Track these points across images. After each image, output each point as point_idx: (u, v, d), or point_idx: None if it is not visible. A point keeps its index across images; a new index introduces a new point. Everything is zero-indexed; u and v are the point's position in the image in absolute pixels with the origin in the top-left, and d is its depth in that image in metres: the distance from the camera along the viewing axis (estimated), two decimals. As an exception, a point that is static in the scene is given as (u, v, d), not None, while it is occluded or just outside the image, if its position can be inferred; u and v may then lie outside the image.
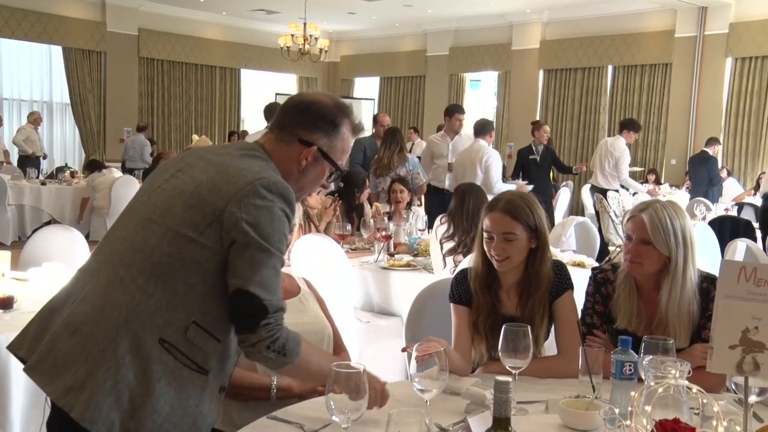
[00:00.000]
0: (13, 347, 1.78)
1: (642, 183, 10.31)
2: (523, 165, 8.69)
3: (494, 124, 14.39)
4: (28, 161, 10.89)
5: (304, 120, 1.86)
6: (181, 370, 1.67)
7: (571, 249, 5.30)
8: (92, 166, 9.73)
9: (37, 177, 9.67)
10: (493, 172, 6.77)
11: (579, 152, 13.08)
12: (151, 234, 1.69)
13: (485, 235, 2.33)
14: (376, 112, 15.81)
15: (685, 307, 2.24)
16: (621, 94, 12.74)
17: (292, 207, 1.74)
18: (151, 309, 1.65)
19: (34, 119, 11.30)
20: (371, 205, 5.78)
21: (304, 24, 12.14)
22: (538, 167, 8.54)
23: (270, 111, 7.02)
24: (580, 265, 4.33)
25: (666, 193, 10.24)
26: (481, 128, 7.03)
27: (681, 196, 9.74)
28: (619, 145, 8.38)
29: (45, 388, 1.66)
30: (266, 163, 1.81)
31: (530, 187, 7.42)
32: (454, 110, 7.29)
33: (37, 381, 1.67)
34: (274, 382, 2.14)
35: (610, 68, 12.92)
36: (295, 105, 1.90)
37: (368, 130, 14.97)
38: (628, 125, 8.50)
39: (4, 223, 8.66)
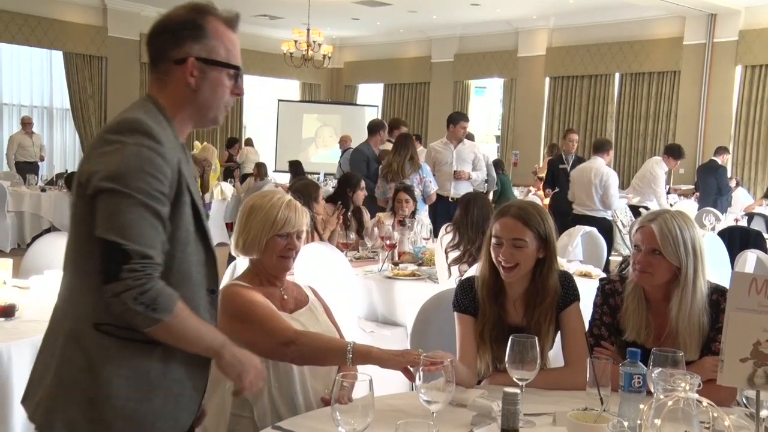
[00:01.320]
0: None
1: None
2: (553, 174, 8.53)
3: (500, 131, 14.59)
4: (28, 166, 10.89)
5: (166, 40, 1.71)
6: (128, 349, 1.60)
7: (578, 259, 5.26)
8: None
9: (37, 183, 9.64)
10: (612, 191, 7.02)
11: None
12: (71, 228, 1.68)
13: (494, 240, 2.30)
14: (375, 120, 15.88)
15: (696, 318, 2.21)
16: (628, 101, 12.72)
17: (153, 137, 1.58)
18: (76, 300, 1.63)
19: (25, 124, 11.27)
20: (371, 211, 5.76)
21: (308, 30, 12.15)
22: (568, 177, 8.04)
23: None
24: (587, 275, 4.31)
25: (674, 202, 10.19)
26: (600, 147, 7.31)
27: (689, 206, 9.69)
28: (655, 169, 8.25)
29: (28, 414, 1.69)
30: (137, 107, 1.68)
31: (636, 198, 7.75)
32: (458, 118, 7.28)
33: (25, 409, 1.71)
34: (351, 346, 2.06)
35: (617, 75, 12.90)
36: (153, 32, 1.73)
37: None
38: (669, 151, 8.34)
39: (3, 230, 8.65)
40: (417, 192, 6.21)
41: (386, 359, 2.02)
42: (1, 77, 12.97)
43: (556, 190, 8.31)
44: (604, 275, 3.85)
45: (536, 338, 1.97)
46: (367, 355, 2.04)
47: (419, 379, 1.78)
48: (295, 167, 11.87)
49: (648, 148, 12.38)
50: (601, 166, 7.11)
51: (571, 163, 8.31)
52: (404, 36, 15.49)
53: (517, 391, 1.33)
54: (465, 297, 2.37)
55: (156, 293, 1.55)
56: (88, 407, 1.59)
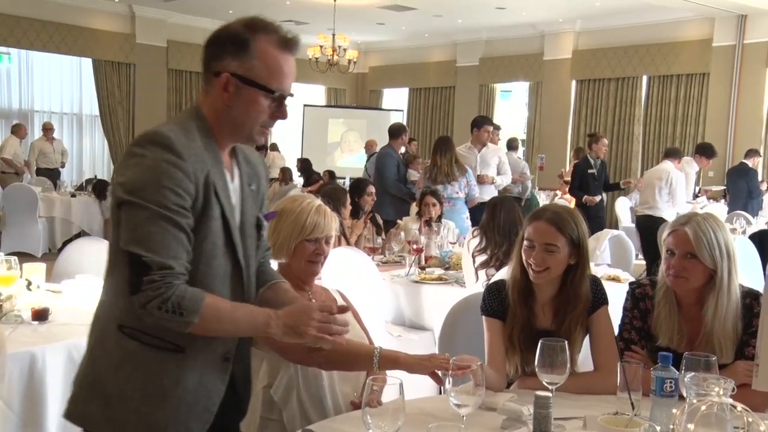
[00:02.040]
0: None
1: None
2: (581, 179, 8.34)
3: (526, 135, 14.50)
4: (49, 173, 11.03)
5: (212, 51, 1.70)
6: (147, 353, 1.65)
7: (606, 263, 5.22)
8: None
9: (66, 188, 9.75)
10: (678, 193, 7.53)
11: (613, 164, 12.93)
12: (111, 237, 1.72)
13: (526, 243, 2.30)
14: (405, 124, 15.89)
15: (731, 321, 2.19)
16: (656, 104, 12.57)
17: (172, 151, 1.58)
18: (108, 303, 1.69)
19: (46, 130, 11.40)
20: (398, 215, 5.77)
21: (333, 35, 12.19)
22: (596, 181, 8.25)
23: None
24: (615, 279, 4.27)
25: (702, 206, 10.06)
26: (671, 152, 8.04)
27: (719, 209, 9.56)
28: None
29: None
30: (177, 118, 1.74)
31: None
32: (482, 122, 7.28)
33: None
34: (377, 351, 2.05)
35: (644, 78, 12.76)
36: (206, 41, 1.73)
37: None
38: (700, 150, 8.46)
39: (35, 235, 8.78)
40: (461, 195, 6.28)
41: (413, 364, 2.02)
42: (33, 85, 13.19)
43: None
44: (632, 279, 3.81)
45: (565, 342, 1.96)
46: (394, 361, 2.03)
47: (449, 383, 1.78)
48: (306, 165, 11.95)
49: (677, 152, 12.24)
50: (671, 169, 7.62)
51: (598, 168, 8.25)
52: (429, 40, 15.48)
53: (549, 394, 1.33)
54: (493, 301, 2.36)
55: (178, 298, 1.56)
56: (106, 405, 1.65)
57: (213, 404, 1.74)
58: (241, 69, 1.66)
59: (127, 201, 1.56)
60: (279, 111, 1.73)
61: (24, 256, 8.13)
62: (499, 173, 7.14)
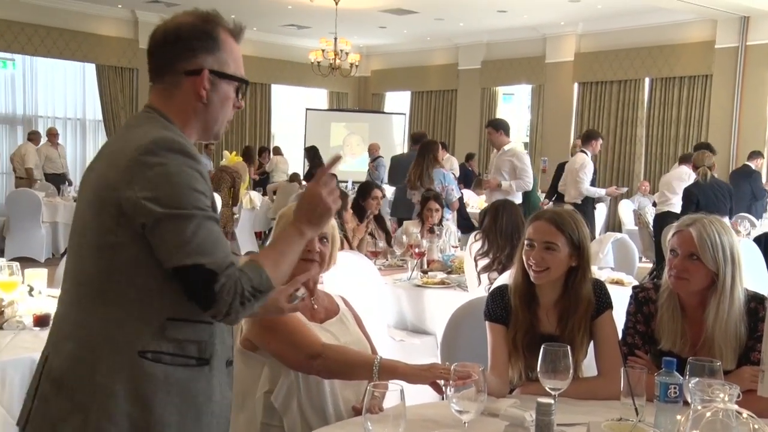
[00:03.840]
0: (20, 423, 1.66)
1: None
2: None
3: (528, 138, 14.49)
4: (57, 178, 11.04)
5: (179, 50, 1.64)
6: (175, 374, 1.56)
7: (609, 266, 5.20)
8: None
9: (68, 193, 9.75)
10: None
11: (616, 167, 12.92)
12: (84, 259, 1.58)
13: (526, 243, 2.29)
14: (407, 127, 15.90)
15: (733, 327, 2.17)
16: (659, 107, 12.54)
17: (190, 156, 1.55)
18: (114, 329, 1.54)
19: (51, 135, 11.40)
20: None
21: (335, 39, 12.20)
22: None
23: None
24: (619, 282, 4.25)
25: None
26: (686, 158, 8.27)
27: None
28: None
29: None
30: (151, 122, 1.61)
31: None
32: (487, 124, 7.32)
33: None
34: (377, 360, 2.05)
35: (647, 80, 12.74)
36: (161, 40, 1.65)
37: (400, 145, 15.06)
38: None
39: (38, 241, 8.79)
40: None
41: (413, 374, 2.01)
42: (37, 90, 13.21)
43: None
44: (636, 283, 3.80)
45: (568, 347, 1.94)
46: (393, 371, 2.02)
47: (450, 390, 1.77)
48: (312, 153, 11.95)
49: (679, 154, 12.19)
50: (683, 172, 7.96)
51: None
52: (431, 44, 15.49)
53: (551, 401, 1.31)
54: (496, 306, 2.35)
55: (247, 284, 1.53)
56: None
57: (229, 413, 1.71)
58: (216, 64, 1.65)
59: (169, 215, 1.48)
60: (238, 101, 1.73)
61: (27, 261, 8.16)
62: (514, 178, 6.96)
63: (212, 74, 1.65)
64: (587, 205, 7.86)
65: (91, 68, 13.40)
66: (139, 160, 1.50)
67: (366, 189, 5.63)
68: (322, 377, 2.12)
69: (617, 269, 5.04)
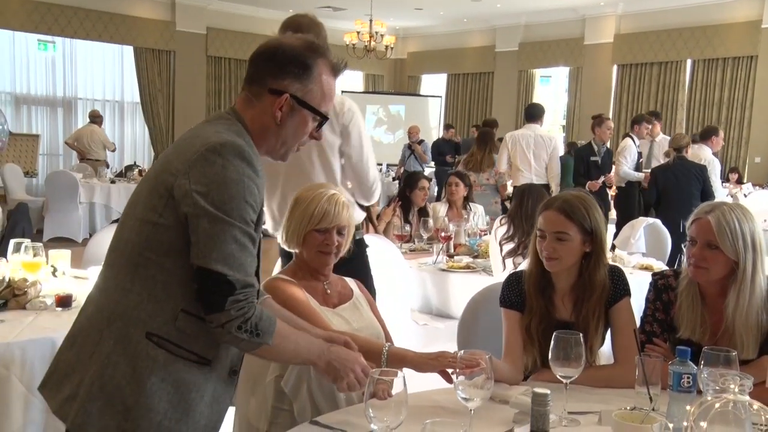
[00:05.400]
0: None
1: (723, 183, 9.57)
2: (586, 165, 7.46)
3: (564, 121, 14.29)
4: (96, 161, 11.20)
5: (271, 67, 1.69)
6: (176, 364, 1.58)
7: (641, 252, 5.11)
8: None
9: (105, 175, 9.93)
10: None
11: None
12: (126, 229, 1.63)
13: (538, 233, 2.26)
14: (443, 110, 15.79)
15: (754, 316, 2.11)
16: (701, 89, 12.27)
17: (252, 166, 1.58)
18: (132, 304, 1.58)
19: (95, 117, 11.53)
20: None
21: (370, 21, 12.15)
22: (599, 171, 7.42)
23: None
24: (649, 269, 4.17)
25: (748, 192, 9.79)
26: (705, 133, 7.69)
27: (764, 196, 9.28)
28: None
29: (50, 404, 1.64)
30: (227, 124, 1.67)
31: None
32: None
33: (45, 397, 1.66)
34: (386, 348, 2.05)
35: (689, 62, 12.47)
36: (261, 54, 1.72)
37: (436, 128, 15.00)
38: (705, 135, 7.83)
39: (75, 221, 8.98)
40: (491, 182, 6.71)
41: (421, 363, 2.00)
42: (76, 73, 13.42)
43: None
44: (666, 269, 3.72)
45: (581, 335, 1.91)
46: (402, 359, 2.01)
47: (456, 377, 1.75)
48: None
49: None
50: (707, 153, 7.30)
51: (602, 154, 7.42)
52: (468, 25, 15.33)
53: (547, 391, 1.29)
54: (511, 292, 2.32)
55: (257, 319, 1.58)
56: (124, 417, 1.55)
57: (221, 421, 1.73)
58: (301, 92, 1.70)
59: (213, 215, 1.52)
60: (317, 132, 1.78)
61: (65, 241, 8.34)
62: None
63: (293, 99, 1.69)
64: (633, 188, 7.72)
65: (129, 51, 13.56)
66: (203, 155, 1.55)
67: (413, 179, 5.43)
68: None
69: (648, 255, 4.95)
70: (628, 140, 7.89)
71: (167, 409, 1.58)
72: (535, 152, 6.90)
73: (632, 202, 7.78)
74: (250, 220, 1.57)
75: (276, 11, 14.72)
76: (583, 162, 7.52)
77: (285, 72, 1.68)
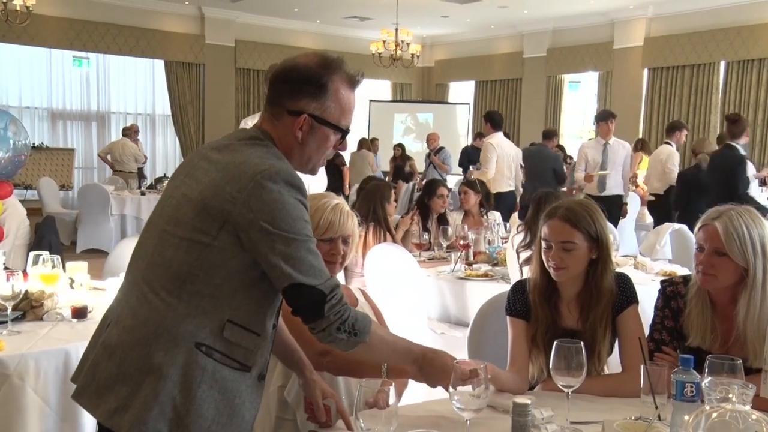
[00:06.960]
0: (73, 379, 1.79)
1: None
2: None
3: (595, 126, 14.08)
4: (132, 174, 11.37)
5: (287, 89, 1.75)
6: (222, 371, 1.65)
7: (666, 258, 5.02)
8: None
9: (136, 187, 10.09)
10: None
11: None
12: (167, 246, 1.67)
13: (543, 244, 2.23)
14: (471, 117, 15.73)
15: (765, 323, 2.06)
16: (735, 91, 12.00)
17: (301, 191, 1.67)
18: (180, 317, 1.64)
19: (133, 131, 11.70)
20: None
21: (396, 29, 12.17)
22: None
23: None
24: (672, 275, 4.08)
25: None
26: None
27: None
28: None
29: (92, 413, 1.69)
30: (266, 148, 1.73)
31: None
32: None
33: (84, 406, 1.71)
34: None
35: (722, 64, 12.22)
36: (277, 75, 1.77)
37: (464, 136, 14.94)
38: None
39: (107, 233, 9.16)
40: None
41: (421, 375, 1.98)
42: (110, 87, 13.69)
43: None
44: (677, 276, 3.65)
45: (581, 343, 1.88)
46: (402, 370, 2.00)
47: (452, 387, 1.74)
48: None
49: (757, 140, 11.67)
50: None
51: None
52: (495, 32, 15.27)
53: (528, 401, 1.27)
54: (517, 301, 2.30)
55: (353, 319, 1.68)
56: (177, 424, 1.62)
57: (253, 425, 1.77)
58: (318, 110, 1.74)
59: (284, 238, 1.61)
60: (341, 144, 1.84)
61: (98, 253, 8.48)
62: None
63: (312, 118, 1.74)
64: (671, 196, 7.62)
65: (159, 64, 13.79)
66: (260, 185, 1.61)
67: (431, 187, 5.38)
68: (331, 374, 2.12)
69: (674, 261, 4.86)
70: (669, 147, 8.03)
71: (215, 414, 1.65)
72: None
73: (669, 209, 7.67)
74: (311, 233, 1.68)
75: (303, 22, 14.87)
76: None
77: (301, 92, 1.73)
